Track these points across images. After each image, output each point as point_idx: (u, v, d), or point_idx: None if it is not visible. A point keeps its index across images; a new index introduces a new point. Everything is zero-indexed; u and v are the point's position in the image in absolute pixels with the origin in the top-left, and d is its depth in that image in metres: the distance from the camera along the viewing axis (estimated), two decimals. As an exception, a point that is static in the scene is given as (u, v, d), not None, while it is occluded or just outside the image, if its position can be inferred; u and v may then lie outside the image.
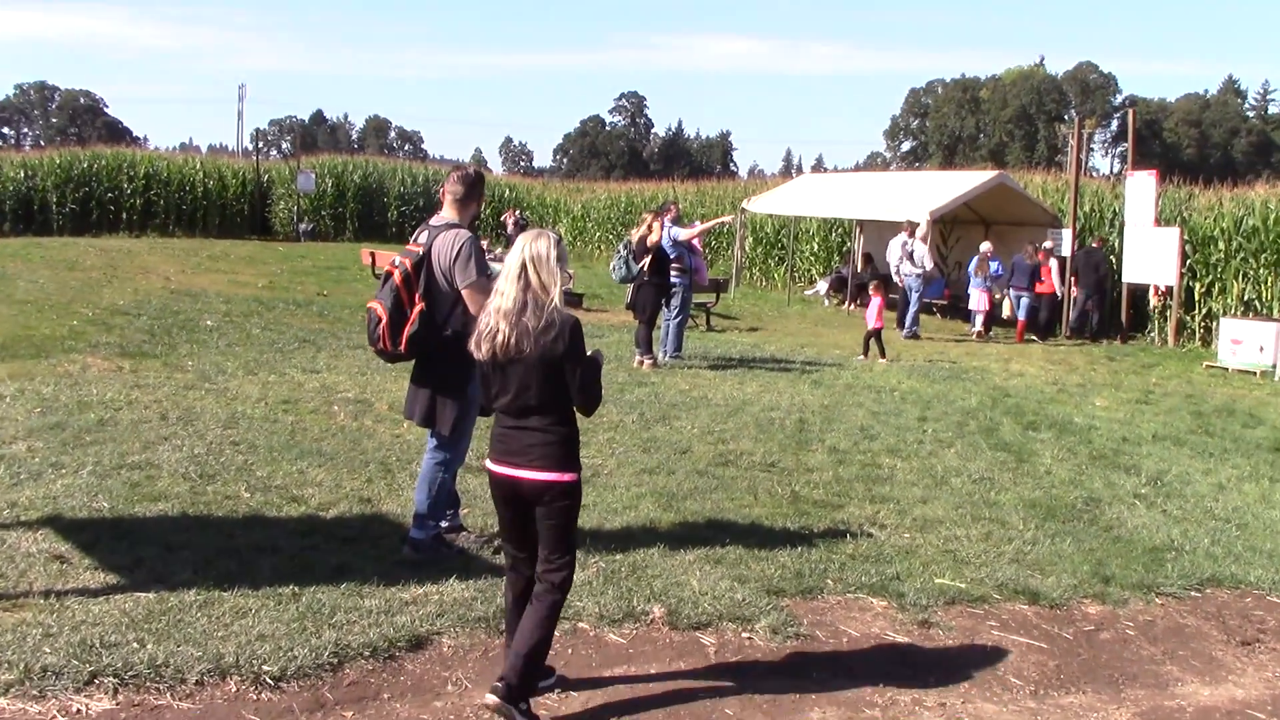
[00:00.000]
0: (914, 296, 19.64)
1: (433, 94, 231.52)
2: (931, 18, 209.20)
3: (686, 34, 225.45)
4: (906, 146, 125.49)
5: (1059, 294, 20.34)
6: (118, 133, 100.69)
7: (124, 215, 41.15)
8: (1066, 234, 21.30)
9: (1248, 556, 6.99)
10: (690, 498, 7.56)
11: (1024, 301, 19.89)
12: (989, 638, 5.50)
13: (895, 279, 20.48)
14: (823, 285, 26.61)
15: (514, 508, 4.43)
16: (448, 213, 6.19)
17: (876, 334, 15.90)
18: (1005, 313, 20.33)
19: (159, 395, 9.84)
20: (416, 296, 5.87)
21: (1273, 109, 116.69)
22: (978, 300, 20.24)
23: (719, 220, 21.09)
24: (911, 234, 19.85)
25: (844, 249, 28.17)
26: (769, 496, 7.76)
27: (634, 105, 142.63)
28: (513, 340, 4.22)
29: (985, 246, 20.49)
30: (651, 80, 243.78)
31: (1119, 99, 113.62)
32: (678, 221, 14.97)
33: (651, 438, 9.40)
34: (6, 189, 39.94)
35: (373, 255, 20.36)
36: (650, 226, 13.77)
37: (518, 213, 42.81)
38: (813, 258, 30.02)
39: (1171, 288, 19.43)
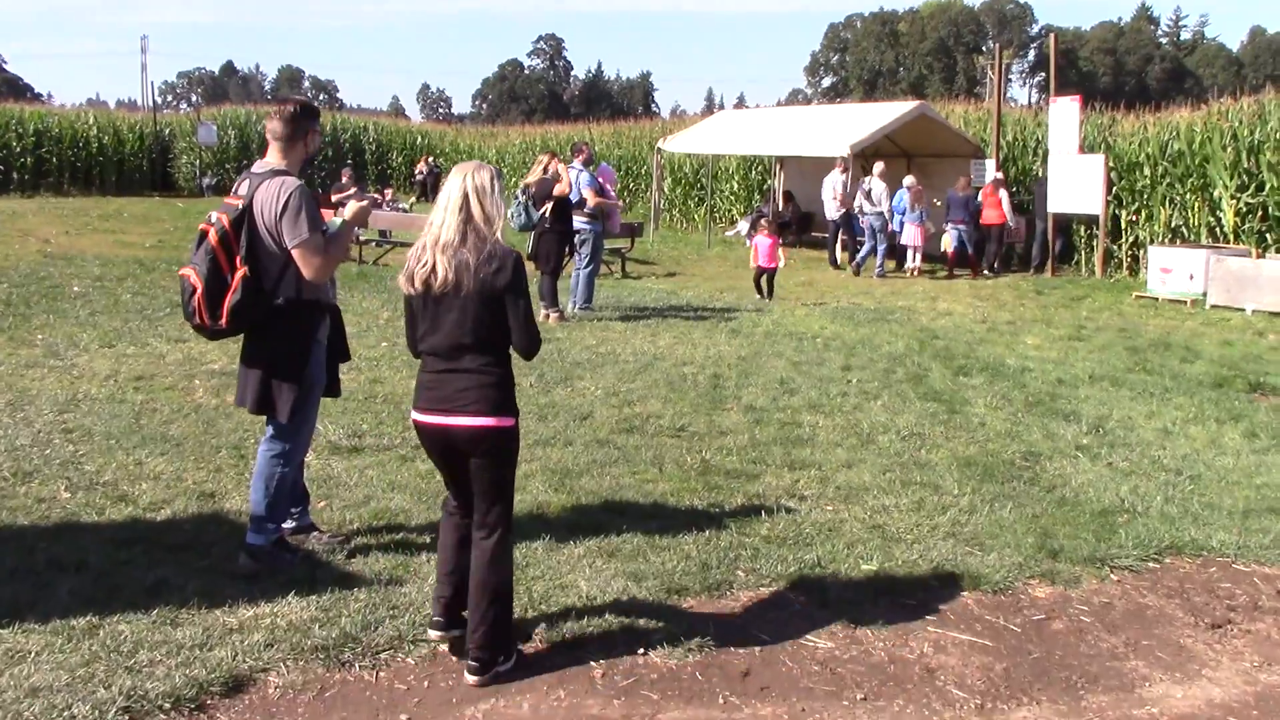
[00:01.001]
0: (880, 237, 18.99)
1: (347, 42, 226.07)
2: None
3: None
4: (827, 83, 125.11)
5: (1010, 225, 19.70)
6: (18, 89, 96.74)
7: (14, 175, 39.04)
8: (990, 164, 20.66)
9: (1206, 516, 6.28)
10: (586, 473, 6.68)
11: (959, 235, 19.19)
12: (925, 636, 4.70)
13: (831, 216, 19.79)
14: (744, 225, 25.78)
15: (449, 458, 4.22)
16: (272, 157, 5.17)
17: (769, 274, 15.41)
18: (943, 247, 19.63)
19: (-6, 375, 8.75)
20: (238, 260, 4.87)
21: (1185, 35, 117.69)
22: (911, 235, 19.54)
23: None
24: (845, 170, 19.45)
25: (764, 187, 27.33)
26: (676, 468, 6.91)
27: (553, 48, 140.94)
28: (450, 274, 3.98)
29: (909, 180, 19.75)
30: (570, 22, 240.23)
31: (1035, 29, 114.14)
32: (589, 163, 13.95)
33: (550, 403, 8.50)
34: (-117, 151, 37.69)
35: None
36: (547, 169, 12.78)
37: (429, 160, 41.51)
38: (733, 197, 29.16)
39: (1097, 216, 18.87)
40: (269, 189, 4.93)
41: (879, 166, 19.43)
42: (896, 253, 19.86)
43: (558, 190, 12.60)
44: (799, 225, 24.54)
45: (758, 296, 15.35)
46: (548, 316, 12.52)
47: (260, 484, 5.11)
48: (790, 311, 14.01)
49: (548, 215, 12.59)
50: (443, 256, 3.98)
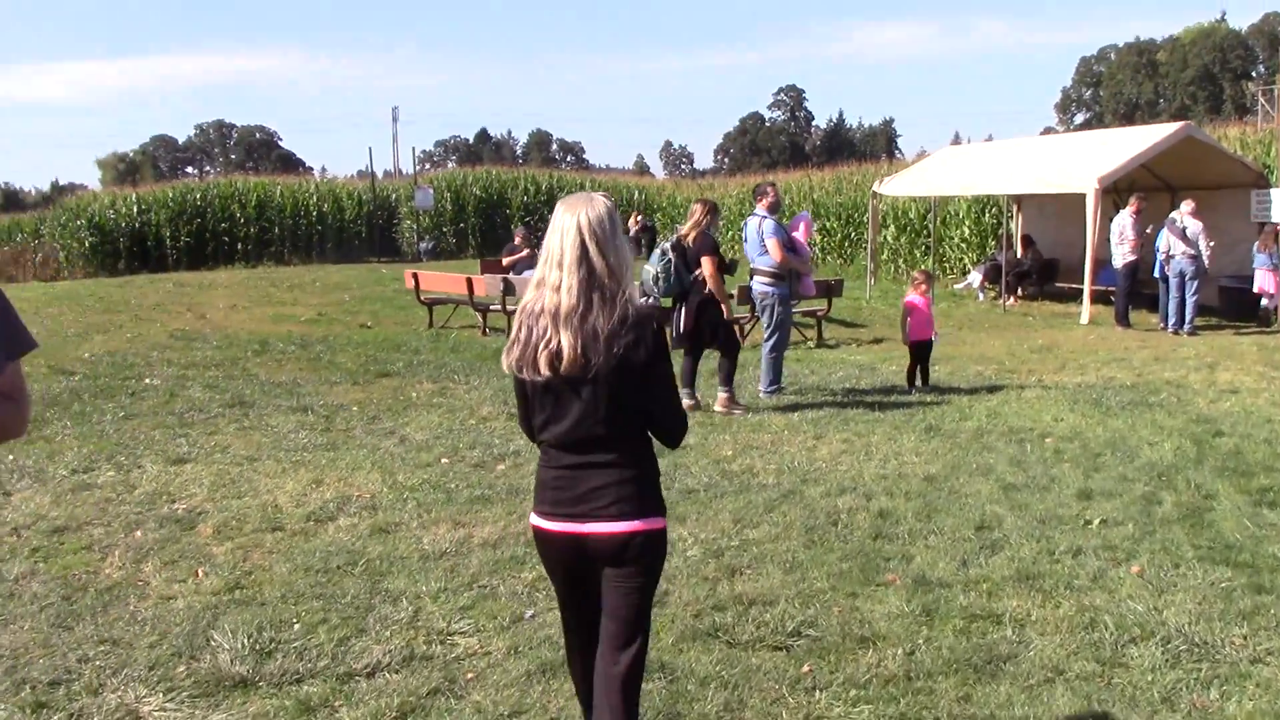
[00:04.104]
0: (1192, 285, 15.68)
1: (591, 104, 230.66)
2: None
3: (844, 23, 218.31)
4: (1080, 119, 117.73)
5: None
6: (292, 164, 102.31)
7: (238, 246, 39.53)
8: (1277, 195, 16.58)
9: None
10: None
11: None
12: None
13: (1118, 264, 16.42)
14: (975, 276, 22.23)
15: (577, 575, 3.34)
16: None
17: (925, 350, 11.30)
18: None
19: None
20: None
21: None
22: (1266, 281, 16.24)
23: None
24: (1139, 210, 16.31)
25: (999, 231, 23.68)
26: (756, 733, 3.97)
27: (793, 99, 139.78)
28: (578, 352, 3.11)
29: (1186, 206, 16.01)
30: (810, 73, 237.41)
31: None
32: (775, 210, 10.93)
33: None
34: (120, 226, 38.78)
35: (415, 277, 17.14)
36: (701, 221, 10.00)
37: (641, 216, 39.45)
38: (964, 244, 25.51)
39: None
40: None
41: (1188, 204, 16.01)
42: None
43: (685, 234, 9.87)
44: (1040, 274, 20.85)
45: (909, 388, 11.16)
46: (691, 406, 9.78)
47: None
48: (1016, 393, 10.68)
49: (700, 278, 9.85)
50: (566, 330, 3.13)
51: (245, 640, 4.71)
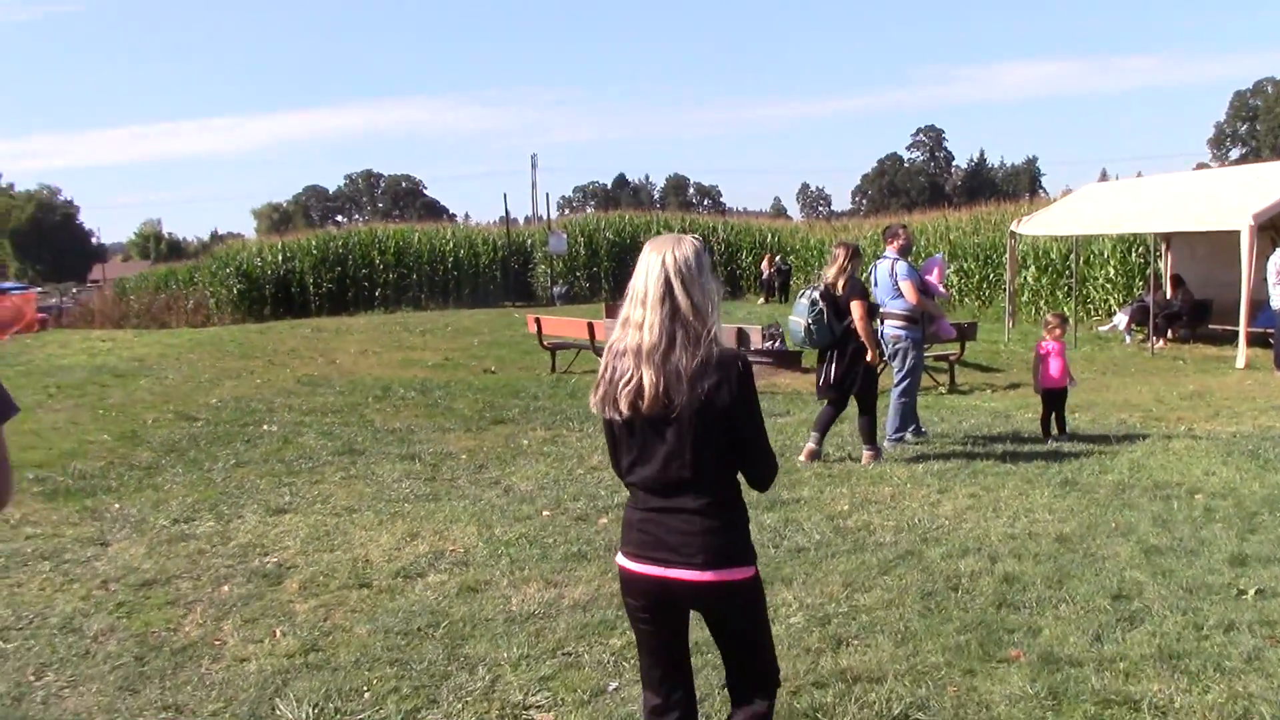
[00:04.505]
0: None
1: (729, 147, 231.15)
2: (1253, 15, 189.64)
3: (986, 64, 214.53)
4: (1236, 154, 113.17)
5: None
6: (436, 212, 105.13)
7: (377, 292, 40.45)
8: None
9: None
10: None
11: None
12: None
13: (1276, 306, 15.32)
14: (1121, 318, 21.19)
15: (663, 620, 3.24)
16: None
17: (1059, 398, 10.55)
18: None
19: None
20: None
21: None
22: None
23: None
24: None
25: (1147, 272, 22.55)
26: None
27: (932, 139, 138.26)
28: (661, 390, 3.05)
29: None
30: (950, 113, 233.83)
31: None
32: (907, 252, 10.54)
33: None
34: (266, 273, 40.03)
35: (538, 322, 17.02)
36: (843, 266, 9.55)
37: (776, 257, 38.96)
38: (1109, 285, 24.40)
39: None
40: None
41: None
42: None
43: (832, 280, 9.44)
44: (1191, 316, 19.73)
45: (1044, 437, 10.43)
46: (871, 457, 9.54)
47: None
48: (1163, 444, 9.92)
49: (852, 325, 9.42)
50: (648, 368, 3.06)
51: (310, 710, 4.46)
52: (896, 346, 10.31)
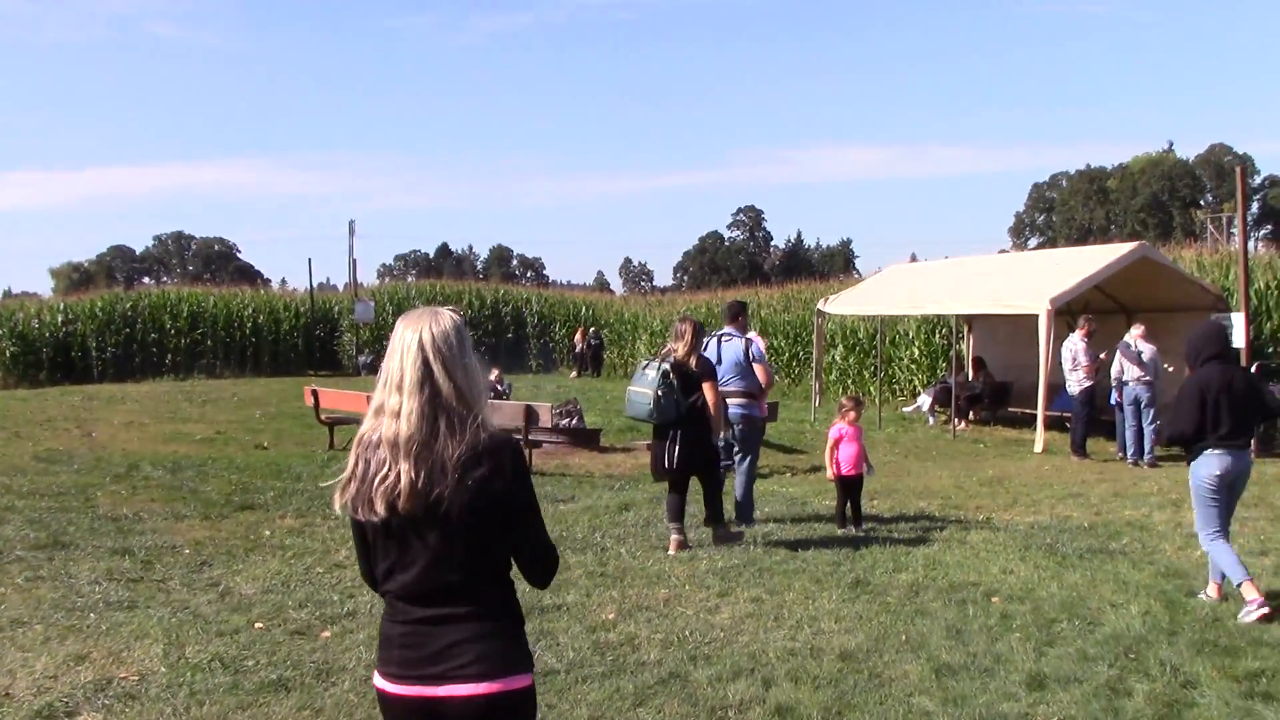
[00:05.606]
0: (1148, 413, 14.68)
1: (554, 220, 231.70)
2: (1052, 113, 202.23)
3: (806, 146, 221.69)
4: (1034, 243, 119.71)
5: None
6: (249, 276, 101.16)
7: (168, 358, 38.02)
8: (1238, 319, 15.58)
9: None
10: None
11: None
12: None
13: (1073, 391, 15.38)
14: (925, 399, 21.14)
15: None
16: None
17: (853, 488, 9.96)
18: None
19: None
20: None
21: None
22: None
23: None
24: (1088, 332, 15.37)
25: (949, 353, 22.64)
26: None
27: (752, 219, 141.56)
28: (423, 483, 2.69)
29: (1137, 330, 15.03)
30: (770, 193, 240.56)
31: (1258, 179, 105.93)
32: (744, 331, 10.51)
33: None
34: (44, 335, 37.20)
35: (315, 394, 15.71)
36: (690, 344, 8.91)
37: (589, 331, 38.33)
38: (913, 366, 24.46)
39: None
40: None
41: (1138, 328, 15.09)
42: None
43: (682, 356, 8.84)
44: (992, 398, 19.73)
45: (839, 527, 9.80)
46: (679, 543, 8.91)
47: None
48: (961, 535, 9.35)
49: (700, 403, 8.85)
50: (407, 461, 2.71)
51: None
52: (744, 429, 10.03)
